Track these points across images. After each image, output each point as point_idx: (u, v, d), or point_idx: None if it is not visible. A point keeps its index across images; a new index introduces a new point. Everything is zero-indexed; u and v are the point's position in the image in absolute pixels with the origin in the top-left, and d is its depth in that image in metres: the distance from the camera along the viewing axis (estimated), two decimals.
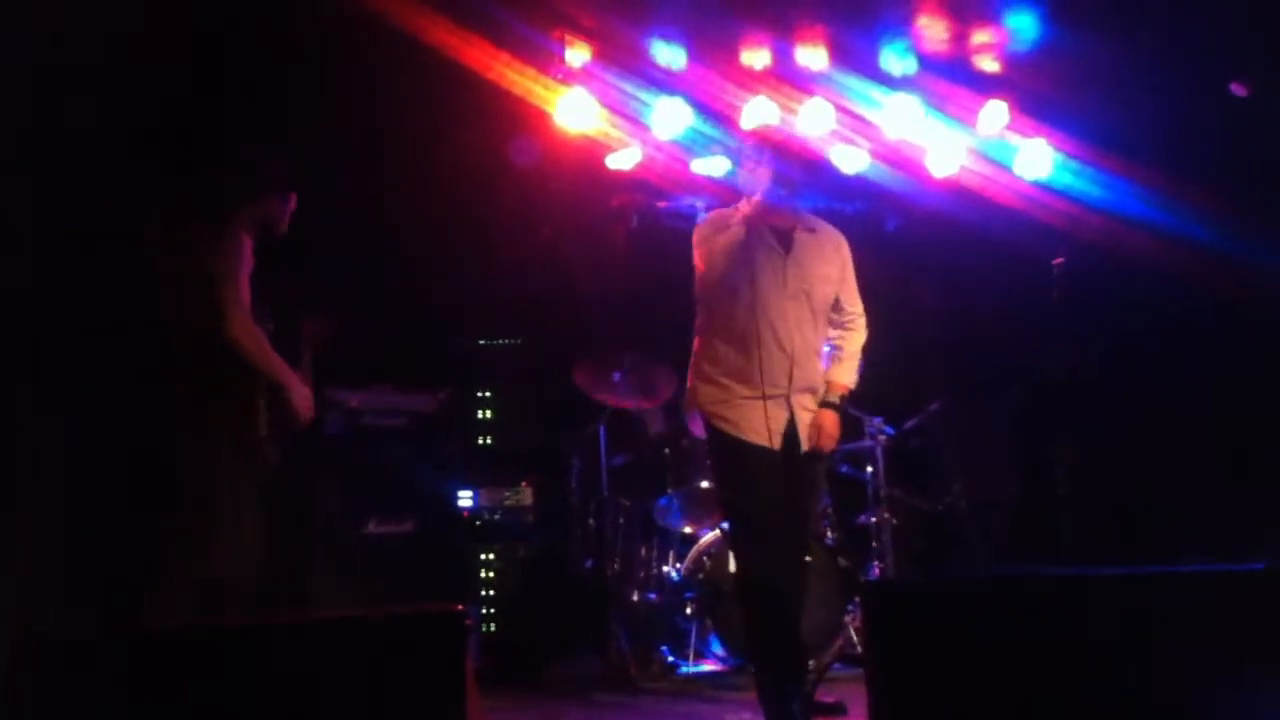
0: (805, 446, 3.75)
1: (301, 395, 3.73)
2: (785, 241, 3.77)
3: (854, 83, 5.40)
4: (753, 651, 3.79)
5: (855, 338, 3.96)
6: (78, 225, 4.28)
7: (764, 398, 3.68)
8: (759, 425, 3.69)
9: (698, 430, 3.95)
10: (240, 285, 3.64)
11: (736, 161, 3.92)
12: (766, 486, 3.69)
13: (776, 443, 3.70)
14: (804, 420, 3.76)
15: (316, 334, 4.14)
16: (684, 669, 5.17)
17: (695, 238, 3.87)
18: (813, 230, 3.86)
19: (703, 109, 5.42)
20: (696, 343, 3.89)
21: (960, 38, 5.29)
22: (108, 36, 4.20)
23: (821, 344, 3.89)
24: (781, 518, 3.69)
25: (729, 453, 3.75)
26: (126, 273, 4.03)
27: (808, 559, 3.96)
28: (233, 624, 2.79)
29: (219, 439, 3.62)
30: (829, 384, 3.85)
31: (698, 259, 3.84)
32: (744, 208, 3.81)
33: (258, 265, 3.77)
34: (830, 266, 3.87)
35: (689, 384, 3.90)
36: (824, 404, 3.81)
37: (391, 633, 2.38)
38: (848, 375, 3.91)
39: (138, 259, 3.91)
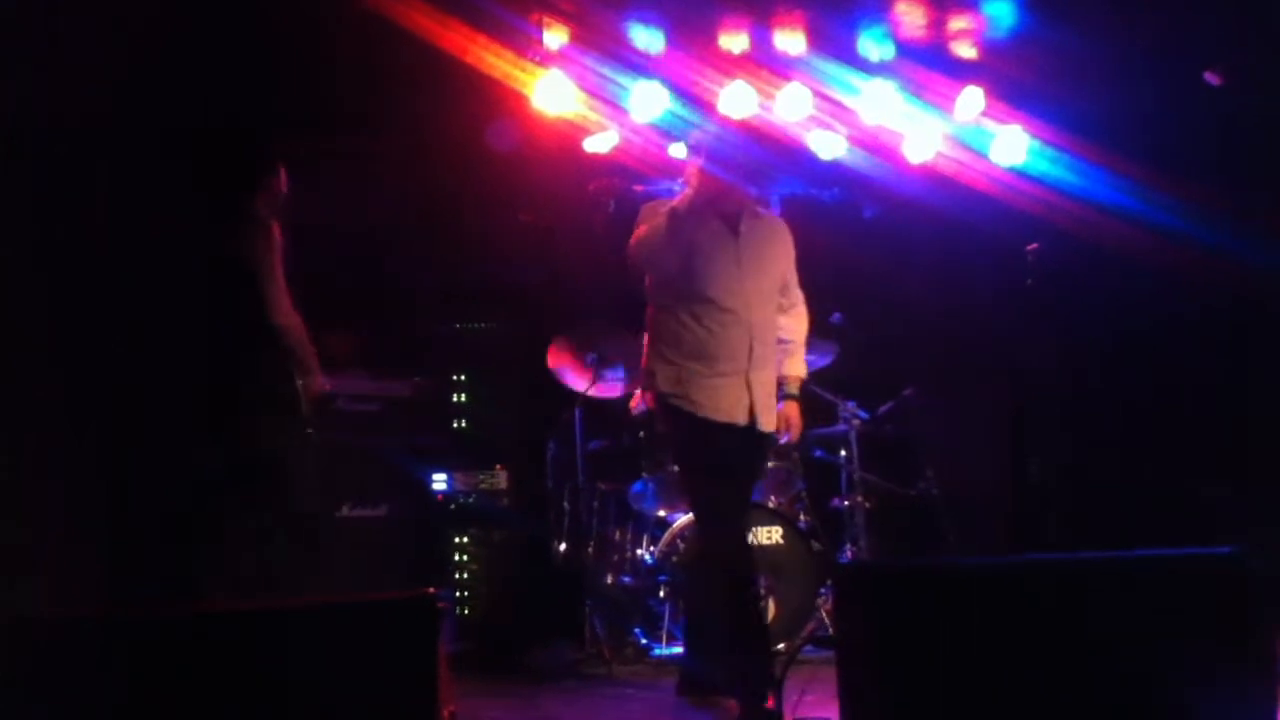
0: (769, 428, 3.82)
1: (319, 381, 4.04)
2: (733, 225, 3.83)
3: (831, 68, 5.40)
4: (726, 639, 3.74)
5: (801, 325, 4.07)
6: (123, 223, 4.35)
7: (724, 374, 3.73)
8: (721, 403, 3.73)
9: (663, 425, 3.99)
10: (279, 273, 3.89)
11: (692, 147, 3.94)
12: (731, 466, 3.74)
13: (741, 418, 3.74)
14: (762, 399, 3.79)
15: (343, 349, 4.37)
16: (657, 652, 5.19)
17: (644, 222, 3.89)
18: (758, 216, 3.96)
19: (680, 93, 5.40)
20: (650, 329, 3.93)
21: (938, 24, 5.30)
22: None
23: (775, 325, 3.95)
24: (744, 498, 3.84)
25: (693, 433, 3.76)
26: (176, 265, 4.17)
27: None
28: (205, 610, 2.78)
29: (281, 419, 3.92)
30: (786, 377, 3.96)
31: (643, 246, 3.84)
32: (688, 194, 3.85)
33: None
34: (778, 249, 3.97)
35: (646, 369, 3.94)
36: (786, 396, 3.94)
37: (364, 618, 2.38)
38: (802, 366, 4.06)
39: (182, 250, 4.14)
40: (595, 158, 5.64)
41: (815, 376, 5.45)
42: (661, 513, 5.45)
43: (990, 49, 5.45)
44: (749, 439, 3.79)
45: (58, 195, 4.21)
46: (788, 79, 5.42)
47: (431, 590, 2.33)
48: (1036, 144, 5.69)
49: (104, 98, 4.31)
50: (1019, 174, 5.71)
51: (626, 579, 5.42)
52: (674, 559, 5.14)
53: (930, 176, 5.79)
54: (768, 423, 3.84)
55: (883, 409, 5.69)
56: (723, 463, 3.73)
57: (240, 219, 3.96)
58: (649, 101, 5.37)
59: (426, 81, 5.11)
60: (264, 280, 3.86)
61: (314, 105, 5.19)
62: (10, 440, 4.06)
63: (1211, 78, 5.04)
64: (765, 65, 5.40)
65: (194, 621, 2.51)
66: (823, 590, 5.06)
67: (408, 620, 2.32)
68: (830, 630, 4.97)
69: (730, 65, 5.37)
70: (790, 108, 5.45)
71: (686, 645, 4.21)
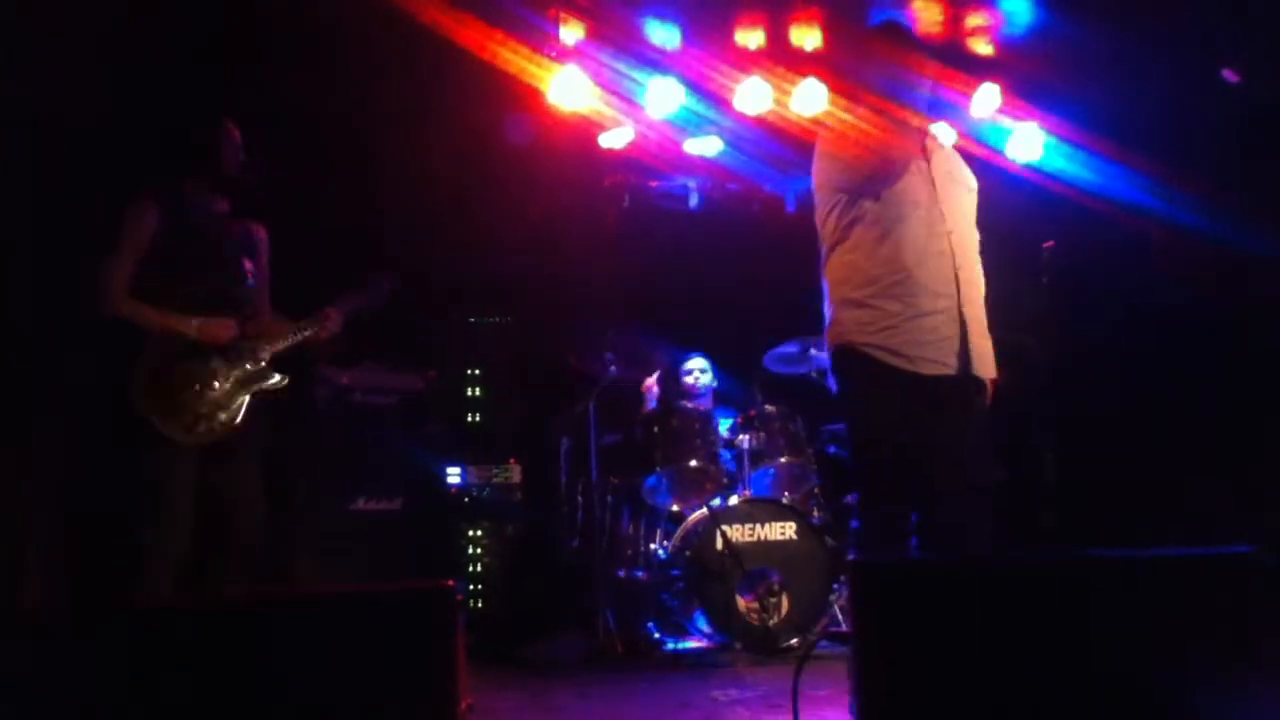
0: (985, 372, 3.30)
1: (204, 329, 3.75)
2: (924, 148, 3.47)
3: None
4: None
5: None
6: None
7: (932, 312, 3.22)
8: (929, 349, 3.22)
9: (833, 383, 3.41)
10: (119, 255, 3.70)
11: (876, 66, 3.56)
12: (931, 435, 3.21)
13: (952, 365, 3.24)
14: (977, 337, 3.30)
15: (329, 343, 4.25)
16: (670, 646, 5.20)
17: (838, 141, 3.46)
18: (938, 138, 3.54)
19: (696, 88, 5.41)
20: (833, 271, 3.41)
21: (954, 20, 5.29)
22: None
23: (978, 252, 3.48)
24: (958, 472, 3.24)
25: (890, 391, 3.21)
26: None
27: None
28: (221, 601, 2.79)
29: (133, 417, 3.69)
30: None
31: (843, 168, 3.39)
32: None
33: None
34: (967, 177, 3.58)
35: (831, 318, 3.40)
36: None
37: (382, 609, 2.39)
38: None
39: None
40: (610, 153, 5.65)
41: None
42: (675, 507, 5.47)
43: (1006, 45, 5.43)
44: (964, 391, 3.28)
45: (58, 195, 4.21)
46: (804, 74, 5.42)
47: (450, 582, 2.33)
48: (1052, 140, 5.68)
49: (104, 98, 4.31)
50: (1035, 170, 5.70)
51: (639, 573, 5.43)
52: (687, 553, 5.15)
53: None
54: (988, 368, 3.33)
55: None
56: (926, 433, 3.23)
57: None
58: (665, 97, 5.37)
59: (443, 76, 5.12)
60: (102, 265, 3.68)
61: (331, 99, 5.20)
62: (8, 439, 4.07)
63: (1230, 75, 5.02)
64: (781, 61, 5.39)
65: (208, 613, 2.51)
66: (836, 586, 5.07)
67: (427, 611, 2.32)
68: (843, 625, 4.97)
69: (746, 61, 5.37)
70: (806, 103, 5.44)
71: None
